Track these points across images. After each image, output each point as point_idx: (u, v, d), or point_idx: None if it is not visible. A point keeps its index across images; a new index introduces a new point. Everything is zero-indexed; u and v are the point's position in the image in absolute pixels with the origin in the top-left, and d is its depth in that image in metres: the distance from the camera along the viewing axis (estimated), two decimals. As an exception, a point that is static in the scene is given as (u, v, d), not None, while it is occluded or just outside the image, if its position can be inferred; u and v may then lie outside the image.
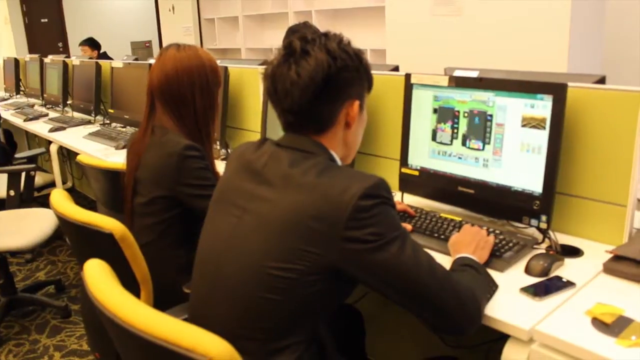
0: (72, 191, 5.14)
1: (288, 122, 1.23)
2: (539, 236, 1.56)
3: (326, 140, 1.22)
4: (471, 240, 1.42)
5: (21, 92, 5.70)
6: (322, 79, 1.16)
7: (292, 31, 3.39)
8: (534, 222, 1.54)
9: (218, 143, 2.67)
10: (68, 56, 5.33)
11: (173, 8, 7.81)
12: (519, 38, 3.71)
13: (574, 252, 1.50)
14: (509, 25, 3.77)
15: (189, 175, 1.71)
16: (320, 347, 1.23)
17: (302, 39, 1.19)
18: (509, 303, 1.27)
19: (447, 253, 1.47)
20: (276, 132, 2.34)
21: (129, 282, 1.63)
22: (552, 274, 1.38)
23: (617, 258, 1.38)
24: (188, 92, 1.79)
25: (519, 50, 3.70)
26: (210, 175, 1.75)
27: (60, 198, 1.70)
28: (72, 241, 1.83)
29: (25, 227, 2.83)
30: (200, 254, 1.28)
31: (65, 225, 1.69)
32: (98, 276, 1.14)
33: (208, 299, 1.22)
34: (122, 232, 1.56)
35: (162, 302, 1.72)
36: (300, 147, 1.19)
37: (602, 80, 1.68)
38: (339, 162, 1.24)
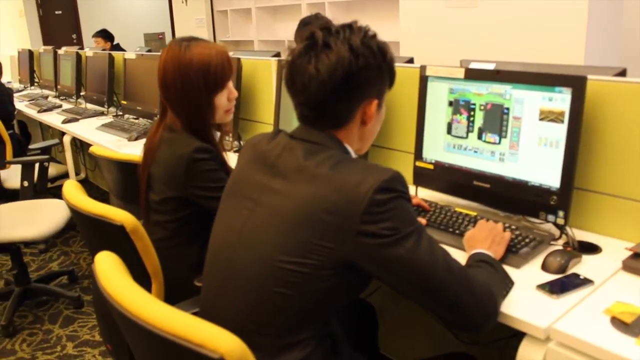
0: (85, 182, 5.16)
1: (304, 115, 1.21)
2: (556, 232, 1.53)
3: (341, 135, 1.20)
4: (487, 236, 1.40)
5: (35, 84, 5.73)
6: (341, 77, 1.12)
7: (303, 23, 3.35)
8: (550, 217, 1.51)
9: (231, 135, 2.66)
10: (81, 48, 5.33)
11: (186, 0, 7.79)
12: (535, 30, 3.66)
13: (592, 248, 1.47)
14: (524, 17, 3.72)
15: (200, 178, 1.68)
16: (333, 343, 1.21)
17: (325, 30, 1.16)
18: (525, 300, 1.24)
19: (462, 248, 1.45)
20: (289, 124, 2.32)
21: (140, 275, 1.63)
22: (570, 271, 1.35)
23: (637, 255, 1.34)
24: (172, 93, 1.74)
25: (535, 42, 3.65)
26: (223, 175, 1.71)
27: (72, 189, 1.69)
28: (84, 233, 1.83)
29: (39, 218, 2.84)
30: (212, 247, 1.27)
31: (77, 217, 1.69)
32: (109, 269, 1.13)
33: (219, 292, 1.21)
34: (134, 224, 1.55)
35: (174, 295, 1.72)
36: (315, 140, 1.17)
37: (622, 73, 1.65)
38: (354, 155, 1.22)
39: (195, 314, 1.35)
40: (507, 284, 1.26)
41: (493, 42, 3.89)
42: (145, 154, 1.80)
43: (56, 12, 9.95)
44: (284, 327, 1.11)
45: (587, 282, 1.29)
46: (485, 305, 1.12)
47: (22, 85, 5.90)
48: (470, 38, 4.04)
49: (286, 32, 6.61)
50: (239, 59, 2.59)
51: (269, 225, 1.13)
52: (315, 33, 1.15)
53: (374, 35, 1.19)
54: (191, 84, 1.71)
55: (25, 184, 3.24)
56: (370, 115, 1.20)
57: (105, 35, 6.62)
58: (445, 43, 4.19)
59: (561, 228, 1.52)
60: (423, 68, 1.78)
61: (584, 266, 1.39)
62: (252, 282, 1.13)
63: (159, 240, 1.74)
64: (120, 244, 1.56)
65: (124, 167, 2.20)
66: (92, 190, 4.93)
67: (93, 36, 6.73)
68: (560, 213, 1.49)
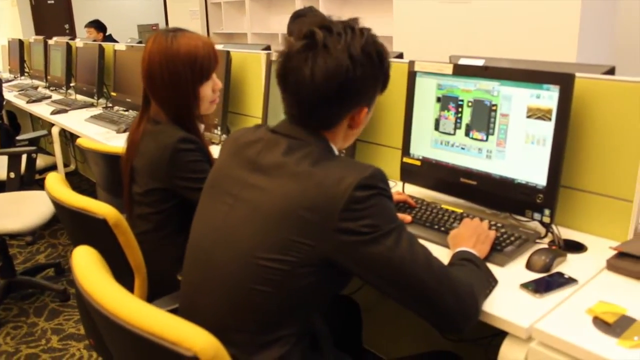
0: (75, 174, 5.13)
1: (291, 113, 1.18)
2: (542, 230, 1.52)
3: (327, 134, 1.18)
4: (472, 234, 1.38)
5: (26, 74, 5.67)
6: (335, 85, 1.10)
7: (296, 15, 3.33)
8: (537, 215, 1.50)
9: (219, 128, 2.64)
10: (73, 38, 5.28)
11: (180, -9, 7.73)
12: (529, 26, 3.65)
13: (578, 247, 1.46)
14: (518, 13, 3.70)
15: (183, 169, 1.66)
16: (313, 340, 1.20)
17: (325, 29, 1.11)
18: (508, 299, 1.23)
19: (447, 246, 1.44)
20: (277, 118, 2.29)
21: (123, 269, 1.61)
22: (554, 270, 1.34)
23: (621, 255, 1.34)
24: (158, 84, 1.71)
25: (529, 39, 3.64)
26: (207, 166, 1.70)
27: (55, 182, 1.67)
28: (67, 226, 1.81)
29: (25, 210, 2.81)
30: (192, 242, 1.25)
31: (59, 210, 1.67)
32: (86, 264, 1.11)
33: (198, 288, 1.19)
34: (116, 218, 1.54)
35: (157, 290, 1.71)
36: (297, 136, 1.15)
37: (611, 71, 1.63)
38: (336, 152, 1.20)
39: (175, 309, 1.34)
40: (491, 282, 1.25)
41: (486, 39, 3.87)
42: (128, 147, 1.78)
43: (49, 2, 9.85)
44: (263, 325, 1.10)
45: (571, 281, 1.28)
46: (466, 304, 1.11)
47: (12, 75, 5.84)
48: (463, 34, 4.02)
49: (280, 25, 6.56)
50: (228, 52, 2.56)
51: (248, 221, 1.11)
52: (315, 33, 1.10)
53: (375, 40, 1.15)
54: (178, 74, 1.69)
55: (12, 175, 3.21)
56: (358, 122, 1.19)
57: (97, 25, 6.55)
58: (439, 39, 4.18)
59: (547, 226, 1.51)
60: (411, 63, 1.77)
61: (569, 265, 1.38)
62: (231, 279, 1.11)
63: (142, 233, 1.72)
64: (102, 238, 1.54)
65: (111, 160, 2.17)
66: (82, 182, 4.90)
67: (85, 26, 6.66)
68: (547, 211, 1.48)
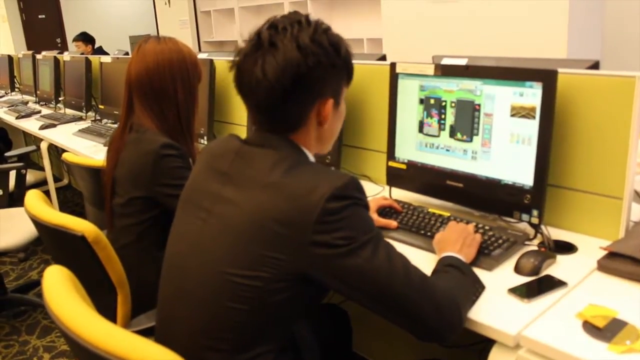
0: (68, 188, 5.09)
1: (257, 120, 1.14)
2: (531, 231, 1.48)
3: (298, 138, 1.13)
4: (457, 238, 1.34)
5: (16, 89, 5.64)
6: (290, 80, 1.05)
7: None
8: (525, 216, 1.46)
9: (205, 138, 2.60)
10: (62, 52, 5.24)
11: (169, 1, 7.71)
12: (518, 24, 3.63)
13: (568, 248, 1.42)
14: (508, 12, 3.68)
15: (166, 175, 1.64)
16: (296, 353, 1.16)
17: (272, 28, 1.08)
18: (495, 305, 1.19)
19: (433, 251, 1.40)
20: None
21: (105, 286, 1.57)
22: (543, 273, 1.30)
23: (612, 255, 1.29)
24: (170, 86, 1.72)
25: (519, 37, 3.62)
26: (188, 174, 1.68)
27: (34, 200, 1.64)
28: (47, 244, 1.77)
29: (15, 227, 2.77)
30: (167, 257, 1.22)
31: (38, 228, 1.63)
32: (54, 284, 1.07)
33: (173, 305, 1.15)
34: (95, 234, 1.50)
35: (142, 304, 1.67)
36: (268, 145, 1.11)
37: (595, 65, 1.59)
38: (312, 159, 1.15)
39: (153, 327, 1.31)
40: (477, 288, 1.21)
41: (477, 38, 3.85)
42: (109, 158, 1.76)
43: (39, 17, 9.85)
44: (239, 343, 1.06)
45: (560, 284, 1.24)
46: (447, 314, 1.07)
47: (2, 91, 5.81)
48: (454, 34, 4.00)
49: (270, 31, 6.52)
50: (211, 61, 2.53)
51: (220, 237, 1.07)
52: (261, 32, 1.08)
53: (326, 30, 1.11)
54: (173, 71, 1.72)
55: (0, 192, 3.17)
56: (325, 115, 1.12)
57: (84, 38, 6.51)
58: (429, 39, 4.15)
59: (536, 227, 1.47)
60: (393, 65, 1.73)
61: (559, 267, 1.34)
62: (204, 297, 1.07)
63: (125, 246, 1.69)
64: (82, 255, 1.51)
65: (96, 174, 2.14)
66: (75, 196, 4.86)
67: (73, 40, 6.63)
68: (535, 212, 1.44)
